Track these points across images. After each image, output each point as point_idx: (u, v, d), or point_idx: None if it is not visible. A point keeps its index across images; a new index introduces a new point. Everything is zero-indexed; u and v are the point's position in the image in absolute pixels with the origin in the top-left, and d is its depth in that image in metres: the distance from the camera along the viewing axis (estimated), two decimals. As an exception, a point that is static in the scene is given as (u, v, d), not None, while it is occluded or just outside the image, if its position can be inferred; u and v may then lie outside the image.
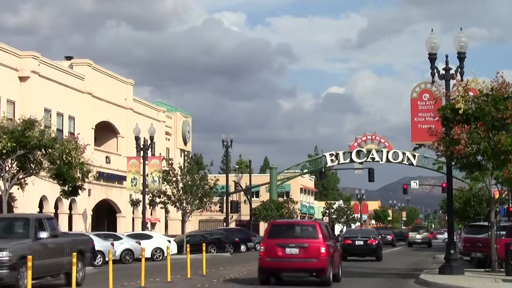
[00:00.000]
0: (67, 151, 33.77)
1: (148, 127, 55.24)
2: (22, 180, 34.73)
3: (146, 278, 24.27)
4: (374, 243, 44.06)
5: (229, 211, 77.49)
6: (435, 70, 27.83)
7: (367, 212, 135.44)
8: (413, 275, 28.12)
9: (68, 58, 59.55)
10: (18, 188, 35.10)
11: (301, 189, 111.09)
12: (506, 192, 43.39)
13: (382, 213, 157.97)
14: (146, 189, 52.96)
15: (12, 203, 45.59)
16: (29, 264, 19.95)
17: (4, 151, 32.40)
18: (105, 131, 61.98)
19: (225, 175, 78.94)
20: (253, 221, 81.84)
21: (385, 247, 64.41)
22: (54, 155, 33.60)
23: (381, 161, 71.78)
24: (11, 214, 32.97)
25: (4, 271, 20.34)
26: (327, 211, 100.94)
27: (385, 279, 28.02)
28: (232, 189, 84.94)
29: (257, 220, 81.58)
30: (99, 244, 36.48)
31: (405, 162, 72.30)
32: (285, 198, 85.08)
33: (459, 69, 27.39)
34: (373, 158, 71.92)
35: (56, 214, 52.47)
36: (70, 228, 53.09)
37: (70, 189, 36.39)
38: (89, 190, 53.45)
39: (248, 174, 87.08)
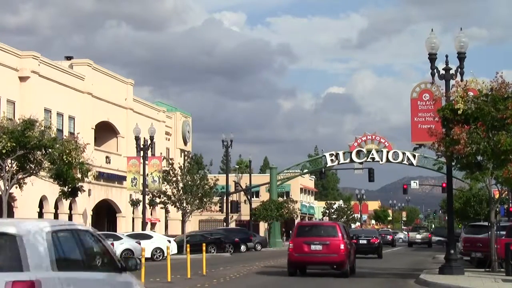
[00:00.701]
0: (67, 151, 33.74)
1: (148, 127, 55.26)
2: (22, 180, 34.71)
3: (146, 278, 24.28)
4: (376, 242, 48.10)
5: (229, 211, 77.49)
6: (435, 70, 27.78)
7: (367, 212, 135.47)
8: (413, 275, 28.12)
9: (68, 58, 59.55)
10: (16, 187, 35.08)
11: (301, 189, 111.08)
12: (506, 192, 43.39)
13: (382, 213, 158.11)
14: (146, 189, 52.96)
15: (12, 203, 45.61)
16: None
17: (4, 151, 32.37)
18: (105, 131, 61.98)
19: (225, 175, 78.94)
20: (253, 221, 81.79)
21: (385, 247, 64.50)
22: (54, 155, 33.57)
23: (381, 161, 71.71)
24: None
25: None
26: (327, 211, 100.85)
27: (385, 279, 28.02)
28: (232, 189, 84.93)
29: (257, 220, 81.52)
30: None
31: (405, 162, 72.22)
32: (285, 198, 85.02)
33: (459, 69, 27.35)
34: (373, 158, 71.85)
35: (56, 214, 52.54)
36: (70, 228, 53.05)
37: (69, 190, 36.36)
38: (89, 190, 53.44)
39: (248, 174, 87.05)
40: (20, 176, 34.19)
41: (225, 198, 77.47)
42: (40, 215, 50.24)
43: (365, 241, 47.29)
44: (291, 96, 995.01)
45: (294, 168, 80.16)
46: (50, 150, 33.44)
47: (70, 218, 54.37)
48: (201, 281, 25.39)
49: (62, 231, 8.69)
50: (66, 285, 8.07)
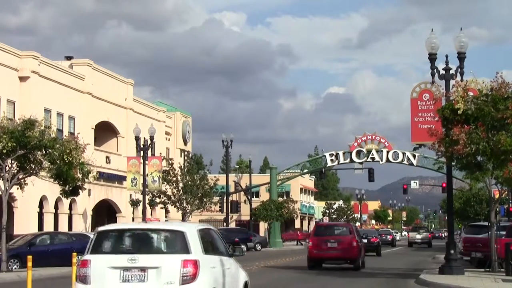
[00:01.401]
0: (67, 151, 33.69)
1: (148, 127, 55.21)
2: (23, 181, 34.70)
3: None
4: (376, 242, 52.49)
5: (229, 211, 77.47)
6: (435, 70, 27.79)
7: (367, 212, 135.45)
8: (413, 275, 28.13)
9: (68, 58, 59.53)
10: (17, 188, 35.08)
11: (301, 189, 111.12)
12: (506, 192, 43.39)
13: (382, 213, 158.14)
14: (146, 189, 52.95)
15: (12, 203, 45.60)
16: (29, 264, 20.00)
17: (4, 151, 32.34)
18: (105, 131, 61.98)
19: (225, 175, 78.91)
20: (253, 221, 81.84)
21: (385, 247, 64.51)
22: (54, 155, 33.53)
23: (381, 161, 71.72)
24: None
25: None
26: (327, 211, 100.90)
27: (385, 279, 28.02)
28: (232, 189, 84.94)
29: (257, 220, 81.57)
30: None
31: (405, 162, 72.24)
32: (285, 198, 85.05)
33: (459, 69, 27.36)
34: (373, 158, 71.87)
35: (56, 214, 52.55)
36: (70, 228, 53.11)
37: (70, 189, 36.37)
38: (89, 190, 53.44)
39: (248, 174, 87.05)
40: (20, 176, 34.17)
41: (225, 198, 77.45)
42: (40, 215, 50.25)
43: (366, 240, 49.08)
44: (291, 96, 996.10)
45: (294, 168, 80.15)
46: (50, 150, 33.41)
47: (70, 218, 54.40)
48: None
49: (203, 229, 13.48)
50: (209, 262, 12.74)
